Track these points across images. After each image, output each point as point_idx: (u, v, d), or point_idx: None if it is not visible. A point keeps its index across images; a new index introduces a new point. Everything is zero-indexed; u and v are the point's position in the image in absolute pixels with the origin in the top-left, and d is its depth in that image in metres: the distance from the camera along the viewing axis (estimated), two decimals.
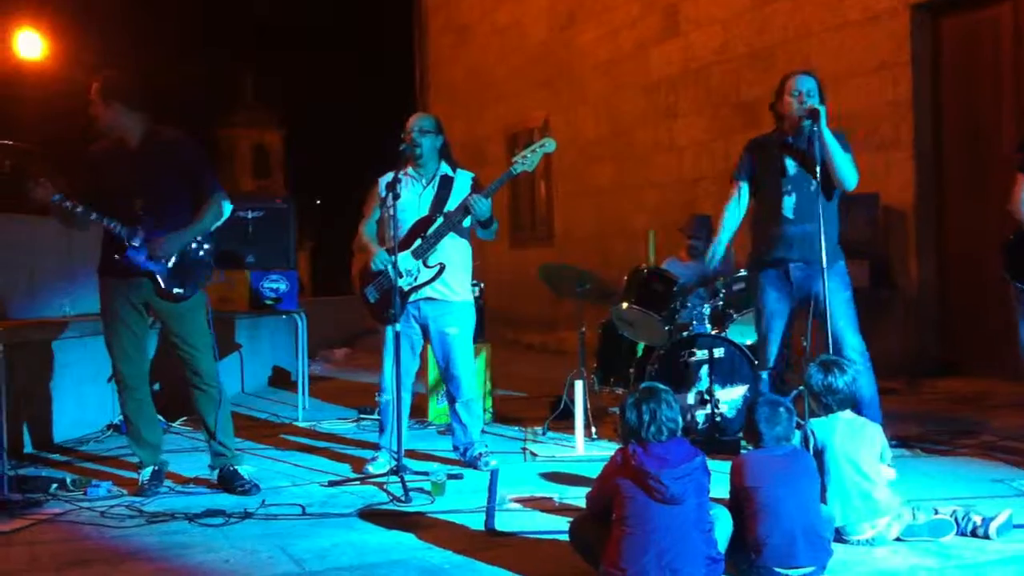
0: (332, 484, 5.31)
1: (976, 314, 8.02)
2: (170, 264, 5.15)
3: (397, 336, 5.34)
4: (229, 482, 5.22)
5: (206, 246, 5.27)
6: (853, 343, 5.28)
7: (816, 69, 8.80)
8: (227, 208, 5.36)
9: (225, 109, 41.30)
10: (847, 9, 8.98)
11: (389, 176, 5.52)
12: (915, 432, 6.19)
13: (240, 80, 40.68)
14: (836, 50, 9.06)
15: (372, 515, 4.69)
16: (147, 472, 5.27)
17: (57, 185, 5.11)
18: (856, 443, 4.15)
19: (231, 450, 5.37)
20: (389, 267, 5.42)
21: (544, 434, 6.59)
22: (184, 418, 7.03)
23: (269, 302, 7.59)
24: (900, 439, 5.89)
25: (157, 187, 5.17)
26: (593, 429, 6.33)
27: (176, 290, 5.17)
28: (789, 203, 5.37)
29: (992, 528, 4.05)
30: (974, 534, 4.07)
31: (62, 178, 5.17)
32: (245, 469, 5.35)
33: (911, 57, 8.44)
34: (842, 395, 4.25)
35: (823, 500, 4.01)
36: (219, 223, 5.34)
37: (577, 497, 4.60)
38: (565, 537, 3.90)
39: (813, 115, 5.19)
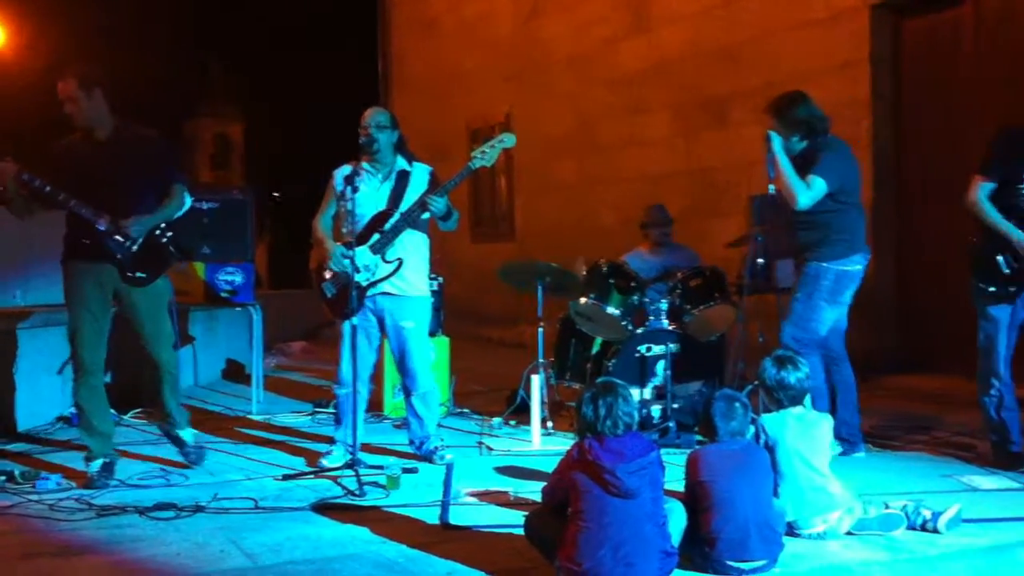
0: (286, 478, 5.27)
1: (935, 312, 8.10)
2: (134, 248, 5.22)
3: (354, 330, 5.32)
4: (176, 443, 5.58)
5: (169, 233, 5.37)
6: (784, 332, 5.57)
7: (780, 66, 9.03)
8: (188, 200, 5.50)
9: (189, 100, 40.84)
10: (811, 7, 9.03)
11: (346, 169, 5.52)
12: (868, 427, 6.24)
13: (203, 71, 40.23)
14: (800, 48, 9.11)
15: (326, 509, 4.66)
16: (97, 464, 5.25)
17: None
18: (807, 438, 4.18)
19: (175, 418, 5.58)
20: (347, 262, 5.38)
21: (501, 428, 6.59)
22: (136, 411, 6.96)
23: (224, 295, 7.53)
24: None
25: (125, 179, 5.25)
26: (550, 423, 6.34)
27: (139, 274, 5.26)
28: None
29: (941, 522, 4.11)
30: (924, 528, 4.13)
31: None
32: (188, 432, 5.63)
33: (871, 56, 8.51)
34: (793, 391, 4.29)
35: (775, 494, 4.04)
36: (180, 213, 5.46)
37: (533, 491, 4.59)
38: (521, 531, 3.90)
39: (768, 140, 5.55)
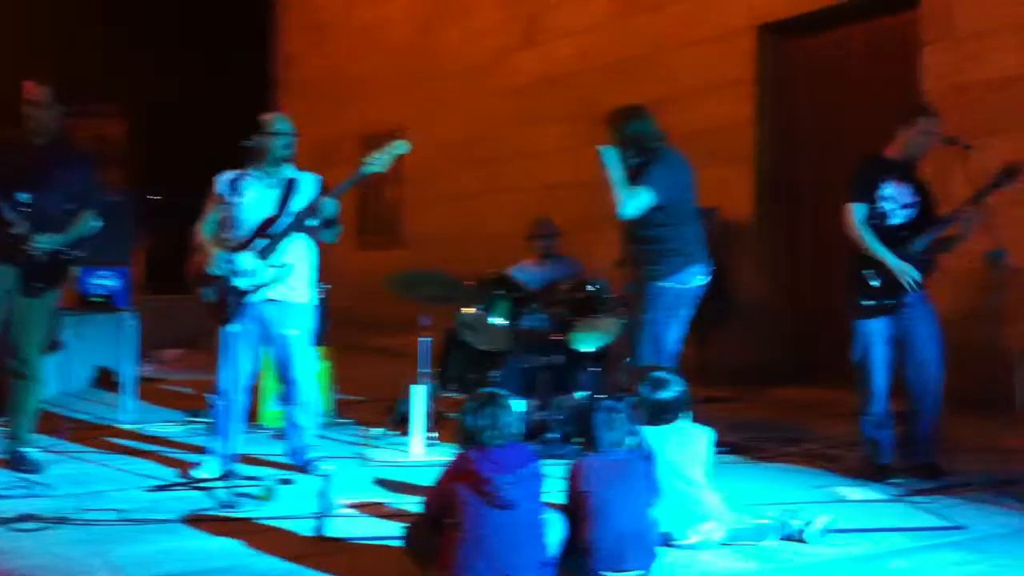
0: (156, 489, 5.12)
1: (811, 325, 8.33)
2: (43, 259, 5.40)
3: (234, 337, 5.19)
4: (17, 463, 5.47)
5: (74, 252, 5.57)
6: (636, 353, 5.65)
7: (671, 83, 9.20)
8: (98, 225, 5.69)
9: (65, 98, 39.62)
10: (701, 26, 9.23)
11: (230, 174, 5.46)
12: (742, 439, 6.37)
13: (81, 68, 39.10)
14: (689, 66, 9.29)
15: (198, 521, 4.53)
16: None
17: None
18: (684, 450, 4.25)
19: (24, 435, 5.60)
20: (228, 268, 5.28)
21: (382, 439, 6.52)
22: (3, 418, 6.68)
23: (97, 299, 7.31)
24: (728, 445, 6.06)
25: (50, 188, 5.42)
26: (432, 434, 6.29)
27: (37, 284, 5.44)
28: None
29: (812, 532, 4.19)
30: (795, 538, 4.21)
31: None
32: (30, 450, 5.58)
33: (757, 76, 8.73)
34: (668, 413, 4.36)
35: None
36: (87, 235, 5.64)
37: (413, 502, 4.55)
38: (400, 543, 3.86)
39: (599, 155, 5.61)
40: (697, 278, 5.68)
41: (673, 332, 5.58)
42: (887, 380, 5.46)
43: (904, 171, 5.54)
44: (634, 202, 5.49)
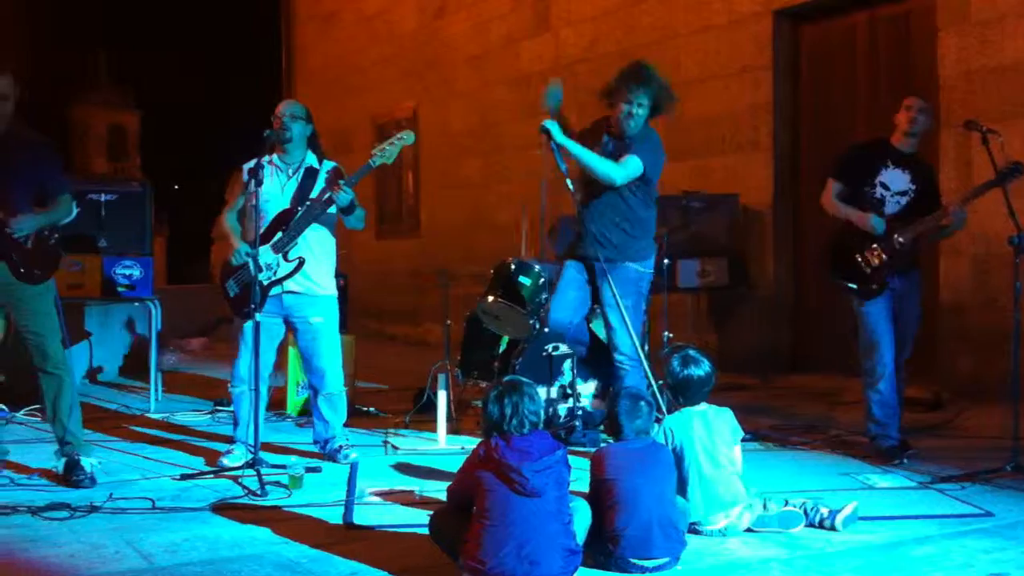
0: (184, 477, 5.16)
1: (827, 311, 8.31)
2: (28, 245, 5.14)
3: (256, 327, 5.22)
4: (68, 471, 5.05)
5: (56, 235, 5.33)
6: (621, 346, 5.52)
7: (681, 70, 9.16)
8: (74, 210, 5.53)
9: (79, 88, 39.82)
10: (712, 12, 9.18)
11: (252, 163, 5.43)
12: (767, 426, 6.38)
13: (95, 59, 39.14)
14: (701, 52, 9.25)
15: (226, 509, 4.57)
16: None
17: None
18: (711, 434, 4.24)
19: (78, 439, 5.18)
20: (250, 260, 5.30)
21: (406, 427, 6.55)
22: (28, 408, 6.73)
23: (122, 289, 7.37)
24: (752, 433, 6.06)
25: (8, 178, 5.17)
26: (456, 422, 6.31)
27: (36, 271, 5.18)
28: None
29: (839, 520, 4.20)
30: (822, 525, 4.21)
31: None
32: (88, 461, 5.12)
33: (772, 61, 8.69)
34: (694, 391, 4.34)
35: (682, 494, 4.08)
36: (67, 220, 5.42)
37: (438, 490, 4.57)
38: (426, 530, 3.88)
39: (546, 133, 5.46)
40: (652, 262, 5.69)
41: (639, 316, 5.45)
42: (892, 358, 5.51)
43: (901, 158, 5.55)
44: (625, 172, 5.37)
